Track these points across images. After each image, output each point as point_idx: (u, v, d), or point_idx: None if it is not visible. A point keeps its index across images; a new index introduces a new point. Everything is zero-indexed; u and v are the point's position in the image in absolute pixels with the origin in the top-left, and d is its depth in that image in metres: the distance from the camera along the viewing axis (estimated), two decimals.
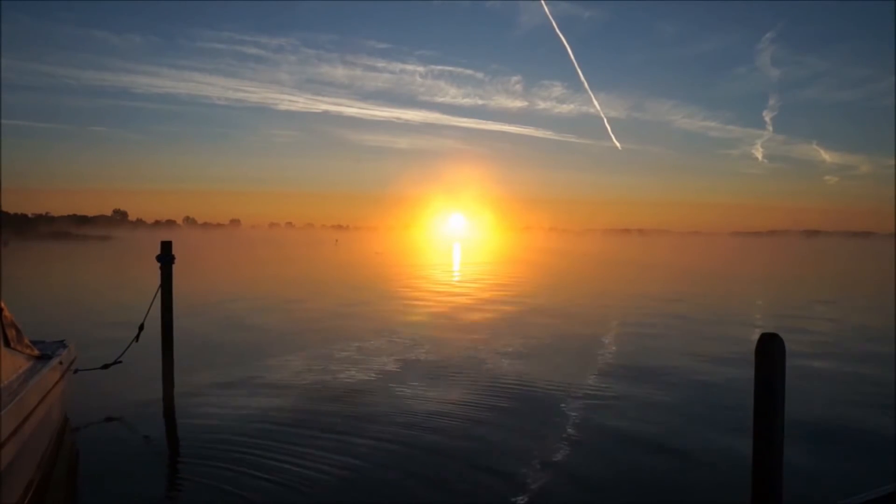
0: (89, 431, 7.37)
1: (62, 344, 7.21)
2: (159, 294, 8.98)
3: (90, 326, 14.78)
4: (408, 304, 20.98)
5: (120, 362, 9.12)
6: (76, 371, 7.73)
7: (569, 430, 7.54)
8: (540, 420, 7.98)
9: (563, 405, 8.57)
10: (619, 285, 30.45)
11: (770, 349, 3.84)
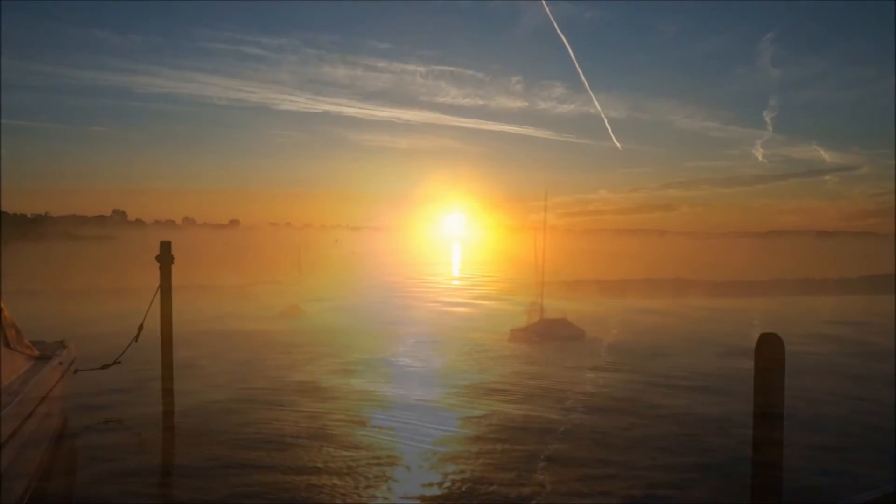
0: (88, 431, 7.36)
1: (62, 344, 7.20)
2: (158, 294, 8.95)
3: (89, 326, 14.75)
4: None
5: (119, 362, 9.08)
6: (76, 371, 7.72)
7: None
8: None
9: None
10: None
11: (770, 349, 3.82)
